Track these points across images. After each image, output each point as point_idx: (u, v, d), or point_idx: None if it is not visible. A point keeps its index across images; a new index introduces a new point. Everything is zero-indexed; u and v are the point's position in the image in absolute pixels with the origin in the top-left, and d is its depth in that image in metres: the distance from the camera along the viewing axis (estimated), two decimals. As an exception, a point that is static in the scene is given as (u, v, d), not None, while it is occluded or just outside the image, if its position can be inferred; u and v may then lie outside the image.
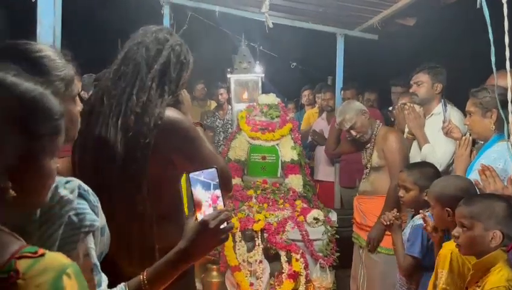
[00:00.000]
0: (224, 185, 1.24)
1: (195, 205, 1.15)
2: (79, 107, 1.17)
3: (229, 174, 1.64)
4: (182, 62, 1.57)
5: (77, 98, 1.16)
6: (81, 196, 0.95)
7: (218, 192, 1.17)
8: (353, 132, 3.09)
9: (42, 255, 0.74)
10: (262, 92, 4.18)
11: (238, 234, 3.16)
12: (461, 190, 1.98)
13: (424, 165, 2.58)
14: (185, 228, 1.16)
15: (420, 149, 2.88)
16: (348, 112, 3.08)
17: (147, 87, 1.47)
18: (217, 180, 1.16)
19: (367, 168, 3.12)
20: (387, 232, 2.76)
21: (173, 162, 1.49)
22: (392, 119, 3.58)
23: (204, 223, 1.13)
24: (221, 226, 1.14)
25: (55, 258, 0.76)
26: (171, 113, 1.47)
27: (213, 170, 1.16)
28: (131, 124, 1.43)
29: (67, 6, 2.40)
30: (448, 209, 1.95)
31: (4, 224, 0.78)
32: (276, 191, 3.55)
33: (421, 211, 2.26)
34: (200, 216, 1.15)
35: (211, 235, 1.13)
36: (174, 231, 1.36)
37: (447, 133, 2.65)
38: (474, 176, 2.11)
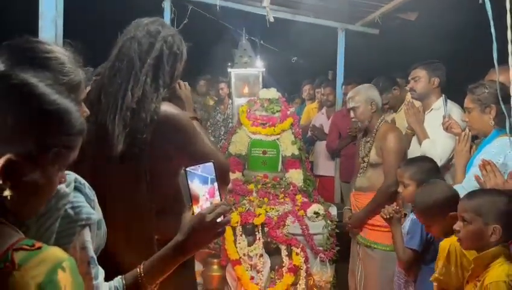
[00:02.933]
0: (221, 178, 1.24)
1: (192, 199, 1.15)
2: (84, 113, 1.17)
3: (227, 168, 1.64)
4: (175, 53, 1.56)
5: (82, 103, 1.16)
6: (77, 189, 0.95)
7: (215, 186, 1.17)
8: (352, 113, 3.11)
9: (39, 248, 0.76)
10: (263, 87, 4.17)
11: (239, 228, 3.16)
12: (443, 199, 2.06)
13: (420, 159, 2.58)
14: (182, 222, 1.16)
15: (420, 144, 2.87)
16: (359, 94, 3.07)
17: (141, 82, 1.48)
18: (214, 174, 1.16)
19: (364, 162, 3.09)
20: (385, 229, 2.76)
21: (171, 156, 1.49)
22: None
23: (200, 217, 1.13)
24: (218, 220, 1.14)
25: (52, 252, 0.77)
26: (167, 108, 1.48)
27: (210, 164, 1.16)
28: (128, 120, 1.44)
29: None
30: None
31: (4, 217, 0.79)
32: (277, 186, 3.54)
33: None
34: (197, 210, 1.15)
35: (207, 229, 1.13)
36: (173, 225, 1.36)
37: (447, 129, 2.64)
38: (474, 170, 2.11)
